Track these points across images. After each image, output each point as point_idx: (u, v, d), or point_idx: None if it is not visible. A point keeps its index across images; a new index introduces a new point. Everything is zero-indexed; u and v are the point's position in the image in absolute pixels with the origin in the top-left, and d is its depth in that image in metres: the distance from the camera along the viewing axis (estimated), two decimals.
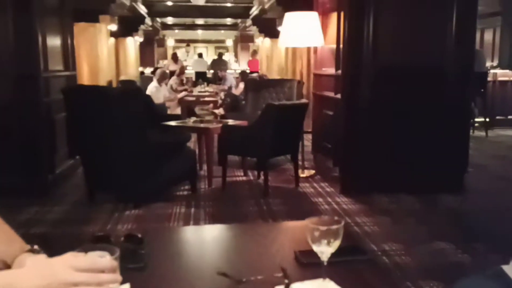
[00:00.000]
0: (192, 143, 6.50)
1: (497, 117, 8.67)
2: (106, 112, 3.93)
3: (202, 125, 5.17)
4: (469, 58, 4.89)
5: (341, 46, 4.89)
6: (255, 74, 13.71)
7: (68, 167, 5.34)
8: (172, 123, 5.28)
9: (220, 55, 17.46)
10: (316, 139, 6.02)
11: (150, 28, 15.87)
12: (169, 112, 8.72)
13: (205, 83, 12.07)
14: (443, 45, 4.82)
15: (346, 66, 4.82)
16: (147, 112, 4.52)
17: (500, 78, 8.77)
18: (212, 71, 14.95)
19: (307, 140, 6.58)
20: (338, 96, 4.95)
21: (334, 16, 5.05)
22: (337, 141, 5.06)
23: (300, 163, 5.42)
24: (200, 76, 13.86)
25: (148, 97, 5.25)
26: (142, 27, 13.52)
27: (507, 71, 8.82)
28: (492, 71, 8.87)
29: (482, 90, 7.86)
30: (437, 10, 4.79)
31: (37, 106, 4.58)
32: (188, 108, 9.96)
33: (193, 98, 9.81)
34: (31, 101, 4.54)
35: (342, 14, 4.84)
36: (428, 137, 4.90)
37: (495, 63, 9.14)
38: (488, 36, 9.38)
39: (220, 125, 5.08)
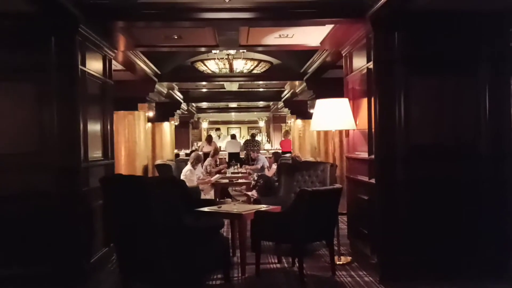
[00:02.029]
0: (225, 227, 6.45)
1: None
2: (142, 201, 3.98)
3: (235, 211, 5.14)
4: (504, 135, 4.81)
5: (373, 130, 4.90)
6: (288, 155, 13.82)
7: (104, 255, 5.34)
8: (206, 209, 5.28)
9: (253, 135, 17.78)
10: (352, 224, 5.87)
11: (186, 112, 16.47)
12: (203, 194, 8.79)
13: (238, 164, 12.20)
14: (476, 122, 4.79)
15: (379, 150, 4.80)
16: (182, 199, 4.57)
17: None
18: (245, 152, 15.17)
19: (343, 223, 6.43)
20: (373, 180, 4.88)
21: (365, 100, 5.12)
22: (374, 227, 4.91)
23: (336, 248, 5.27)
24: (233, 157, 14.05)
25: (183, 184, 5.33)
26: (178, 111, 14.04)
27: None
28: None
29: None
30: (468, 86, 4.83)
31: (76, 196, 4.72)
32: (222, 189, 10.03)
33: (227, 180, 9.89)
34: (71, 192, 4.68)
35: (373, 99, 4.89)
36: (468, 217, 4.74)
37: None
38: None
39: (253, 210, 5.04)
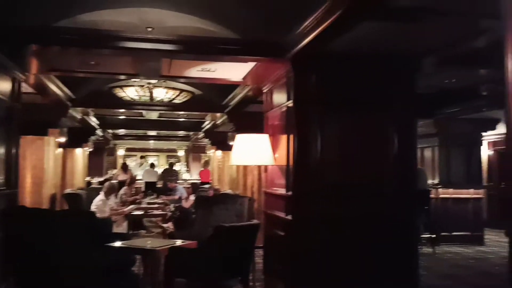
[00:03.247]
0: (139, 261, 6.16)
1: (442, 233, 8.91)
2: (46, 236, 3.69)
3: (148, 246, 4.94)
4: (409, 176, 5.14)
5: (290, 167, 5.00)
6: (206, 186, 13.69)
7: None
8: (117, 244, 5.02)
9: (171, 165, 17.45)
10: (268, 260, 5.87)
11: (101, 139, 15.83)
12: (115, 226, 8.37)
13: (155, 194, 11.85)
14: (385, 162, 5.07)
15: (296, 187, 4.90)
16: (90, 233, 4.31)
17: (442, 196, 9.18)
18: (162, 181, 14.81)
19: (259, 257, 6.41)
20: (289, 217, 4.95)
21: (284, 137, 5.23)
22: (289, 264, 4.95)
23: (251, 283, 5.22)
24: (150, 187, 13.66)
25: (92, 217, 5.02)
26: (92, 138, 13.45)
27: (448, 190, 9.31)
28: (435, 188, 9.31)
29: (426, 207, 8.15)
30: (379, 131, 5.11)
31: None
32: (136, 221, 9.63)
33: (142, 211, 9.54)
34: None
35: (291, 136, 5.02)
36: (379, 255, 4.94)
37: (436, 181, 9.62)
38: (428, 154, 9.98)
39: (168, 246, 4.88)
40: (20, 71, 5.35)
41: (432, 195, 8.91)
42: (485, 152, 12.44)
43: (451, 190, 9.35)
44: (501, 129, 9.85)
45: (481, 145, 10.50)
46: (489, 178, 12.57)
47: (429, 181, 9.48)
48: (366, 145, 5.11)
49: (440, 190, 9.30)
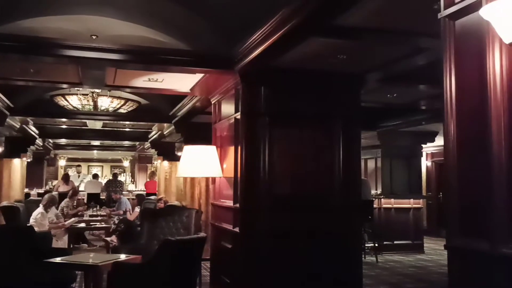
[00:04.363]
0: (80, 277, 5.91)
1: (385, 242, 9.19)
2: None
3: (90, 262, 4.74)
4: (354, 187, 5.28)
5: (238, 179, 4.99)
6: (153, 197, 13.38)
7: None
8: (56, 260, 4.78)
9: (115, 175, 16.93)
10: (215, 272, 5.81)
11: (41, 148, 15.15)
12: (54, 239, 8.01)
13: (98, 206, 11.46)
14: (331, 174, 5.17)
15: (243, 200, 4.90)
16: (26, 249, 4.09)
17: (384, 205, 9.49)
18: (106, 192, 14.35)
19: (205, 269, 6.33)
20: (237, 229, 4.93)
21: (232, 148, 5.22)
22: (236, 276, 4.92)
23: None
24: (93, 198, 13.19)
25: (29, 231, 4.78)
26: (31, 147, 12.84)
27: (390, 199, 9.64)
28: (378, 198, 9.61)
29: (370, 217, 8.38)
30: (325, 143, 5.23)
31: None
32: (77, 234, 9.26)
33: (84, 224, 9.19)
34: None
35: (239, 148, 5.02)
36: (326, 267, 5.02)
37: (379, 191, 9.93)
38: (371, 165, 10.30)
39: (111, 261, 4.71)
40: None
41: (375, 205, 9.17)
42: (424, 163, 13.01)
43: (392, 200, 9.68)
44: (439, 141, 10.34)
45: (421, 156, 10.97)
46: (428, 188, 13.15)
47: (372, 191, 9.77)
48: (313, 157, 5.20)
49: (382, 200, 9.61)
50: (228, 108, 5.54)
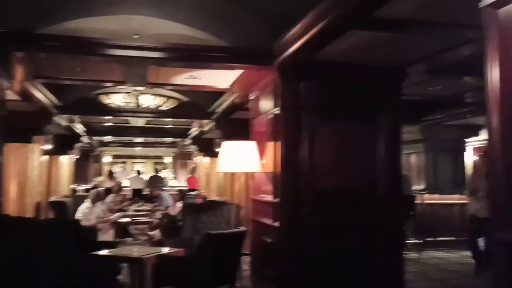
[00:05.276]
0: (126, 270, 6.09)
1: (428, 239, 8.98)
2: (30, 245, 3.65)
3: (134, 255, 4.89)
4: (397, 181, 5.19)
5: (278, 174, 5.01)
6: (194, 192, 13.61)
7: None
8: (102, 252, 4.96)
9: (156, 171, 17.32)
10: (256, 266, 5.86)
11: (87, 146, 15.68)
12: (101, 234, 8.28)
13: (142, 201, 11.76)
14: (371, 170, 5.10)
15: (283, 194, 4.91)
16: (75, 242, 4.26)
17: (427, 201, 9.26)
18: (149, 188, 14.71)
19: (246, 264, 6.39)
20: (277, 224, 4.95)
21: (271, 143, 5.24)
22: (277, 270, 4.95)
23: None
24: (137, 194, 13.56)
25: (77, 225, 4.97)
26: (78, 144, 13.31)
27: (434, 195, 9.40)
28: (421, 194, 9.40)
29: (412, 212, 8.21)
30: (366, 137, 5.16)
31: None
32: (122, 228, 9.54)
33: (128, 219, 9.46)
34: None
35: (279, 143, 5.03)
36: (367, 261, 4.97)
37: (422, 186, 9.71)
38: (413, 160, 10.08)
39: (155, 254, 4.84)
40: (4, 78, 5.29)
41: (417, 201, 8.97)
42: (470, 157, 12.60)
43: (436, 195, 9.44)
44: (484, 135, 10.00)
45: (465, 151, 10.64)
46: None
47: (415, 187, 9.56)
48: (353, 151, 5.15)
49: (425, 195, 9.38)
50: (266, 104, 5.56)
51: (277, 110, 5.11)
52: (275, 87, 5.19)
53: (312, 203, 4.90)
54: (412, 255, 8.34)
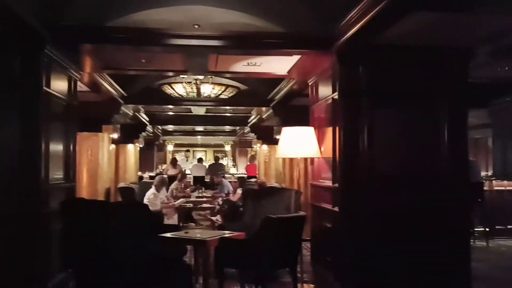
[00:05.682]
0: (188, 254, 6.34)
1: (497, 227, 8.60)
2: (104, 226, 3.89)
3: (198, 237, 5.08)
4: (461, 168, 5.02)
5: (337, 159, 5.00)
6: (253, 179, 13.81)
7: (60, 281, 5.15)
8: (169, 235, 5.19)
9: (217, 159, 17.68)
10: (316, 251, 5.91)
11: (151, 135, 16.28)
12: (166, 218, 8.66)
13: (203, 188, 12.09)
14: (436, 151, 4.97)
15: (343, 179, 4.90)
16: (145, 224, 4.49)
17: (496, 188, 8.85)
18: (209, 175, 15.07)
19: (306, 249, 6.45)
20: (336, 208, 4.95)
21: (330, 129, 5.23)
22: (337, 255, 4.96)
23: (299, 275, 5.27)
24: (198, 181, 13.95)
25: (146, 208, 5.23)
26: (143, 133, 13.87)
27: (503, 182, 8.97)
28: (489, 180, 9.00)
29: (480, 199, 7.89)
30: (430, 121, 5.02)
31: (36, 219, 4.56)
32: (185, 214, 9.88)
33: (191, 204, 9.79)
34: (30, 214, 4.52)
35: (337, 128, 5.01)
36: (430, 248, 4.87)
37: (490, 173, 9.29)
38: (481, 145, 9.65)
39: (217, 237, 5.00)
40: (75, 70, 5.64)
41: (486, 188, 8.59)
42: None
43: (505, 182, 8.99)
44: None
45: None
46: None
47: (483, 173, 9.16)
48: (415, 136, 5.03)
49: (494, 182, 8.97)
50: (325, 89, 5.54)
51: (335, 95, 5.09)
52: (333, 72, 5.16)
53: (371, 188, 4.85)
54: (480, 243, 8.05)
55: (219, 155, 22.04)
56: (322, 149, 5.47)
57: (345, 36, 4.57)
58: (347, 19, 4.38)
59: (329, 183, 5.20)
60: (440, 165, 4.98)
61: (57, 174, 5.14)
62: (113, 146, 11.13)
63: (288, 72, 6.36)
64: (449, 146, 4.99)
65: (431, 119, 5.03)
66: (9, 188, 4.48)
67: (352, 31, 4.38)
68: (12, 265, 4.48)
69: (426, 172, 4.98)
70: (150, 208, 7.63)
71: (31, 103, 4.60)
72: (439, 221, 4.92)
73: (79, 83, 6.10)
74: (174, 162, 14.58)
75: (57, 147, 5.14)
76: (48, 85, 4.81)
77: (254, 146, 17.90)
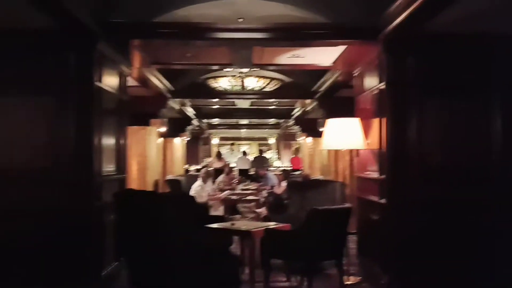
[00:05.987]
0: (234, 245, 6.44)
1: None
2: (155, 217, 4.02)
3: (244, 228, 5.16)
4: None
5: (384, 150, 4.92)
6: (297, 172, 13.81)
7: (114, 269, 5.37)
8: (215, 225, 5.30)
9: (261, 152, 17.78)
10: (362, 244, 5.86)
11: (197, 128, 16.56)
12: (212, 210, 8.81)
13: (248, 181, 12.20)
14: (488, 147, 4.80)
15: (390, 171, 4.82)
16: (192, 215, 4.60)
17: None
18: (254, 168, 15.20)
19: (352, 242, 6.40)
20: (383, 201, 4.89)
21: (376, 120, 5.15)
22: (385, 248, 4.90)
23: (345, 268, 5.25)
24: (244, 174, 14.09)
25: (193, 200, 5.37)
26: (189, 127, 14.14)
27: None
28: None
29: None
30: (482, 112, 4.86)
31: (89, 210, 4.76)
32: (231, 206, 10.02)
33: (236, 197, 9.90)
34: (84, 206, 4.72)
35: (384, 119, 4.93)
36: (482, 241, 4.72)
37: None
38: None
39: (263, 228, 5.06)
40: (126, 65, 5.82)
41: None
42: None
43: None
44: None
45: None
46: None
47: None
48: (467, 127, 4.88)
49: None
50: (371, 80, 5.46)
51: (382, 86, 5.00)
52: (380, 62, 5.07)
53: (420, 180, 4.75)
54: None
55: (263, 148, 22.15)
56: (368, 140, 5.40)
57: (393, 24, 4.47)
58: (395, 6, 4.28)
59: (375, 175, 5.13)
60: (491, 157, 4.81)
61: (109, 166, 5.33)
62: (160, 139, 11.42)
63: (333, 63, 6.31)
64: (501, 138, 4.80)
65: (482, 110, 4.86)
66: (65, 181, 4.70)
67: (400, 18, 4.28)
68: (68, 256, 4.69)
69: (476, 164, 4.82)
70: (197, 200, 7.84)
71: (85, 99, 4.79)
72: (490, 215, 4.75)
73: (129, 78, 6.30)
74: (219, 155, 14.79)
75: (109, 141, 5.33)
76: (100, 80, 4.99)
77: (298, 139, 17.86)
